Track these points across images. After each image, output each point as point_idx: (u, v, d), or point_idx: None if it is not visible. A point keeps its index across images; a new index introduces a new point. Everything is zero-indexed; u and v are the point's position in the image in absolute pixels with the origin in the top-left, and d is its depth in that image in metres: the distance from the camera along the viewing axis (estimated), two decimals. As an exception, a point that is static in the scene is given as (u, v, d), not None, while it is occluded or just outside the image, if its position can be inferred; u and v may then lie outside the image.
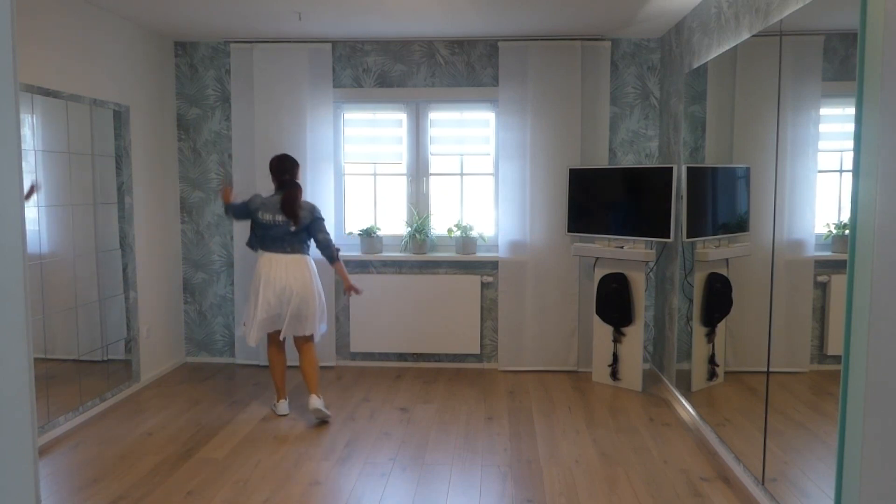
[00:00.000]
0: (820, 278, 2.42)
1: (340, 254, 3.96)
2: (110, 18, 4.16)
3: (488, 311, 4.99)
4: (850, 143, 1.95)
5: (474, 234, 4.93)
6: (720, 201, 3.55)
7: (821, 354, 2.41)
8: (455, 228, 4.92)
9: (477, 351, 4.95)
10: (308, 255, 3.91)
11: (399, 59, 4.87)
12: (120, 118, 4.25)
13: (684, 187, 4.06)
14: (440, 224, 5.03)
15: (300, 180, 3.97)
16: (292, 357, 4.57)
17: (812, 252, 2.46)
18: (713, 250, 3.54)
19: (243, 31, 4.62)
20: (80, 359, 3.91)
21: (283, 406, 3.99)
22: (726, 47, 3.34)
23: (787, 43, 2.62)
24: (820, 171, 2.43)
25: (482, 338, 5.00)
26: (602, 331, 4.57)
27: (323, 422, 3.86)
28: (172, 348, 4.96)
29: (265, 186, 4.85)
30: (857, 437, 1.86)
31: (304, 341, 3.90)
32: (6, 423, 1.07)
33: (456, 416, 3.98)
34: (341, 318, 5.04)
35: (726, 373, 3.38)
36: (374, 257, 4.92)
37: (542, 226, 4.80)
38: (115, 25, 4.21)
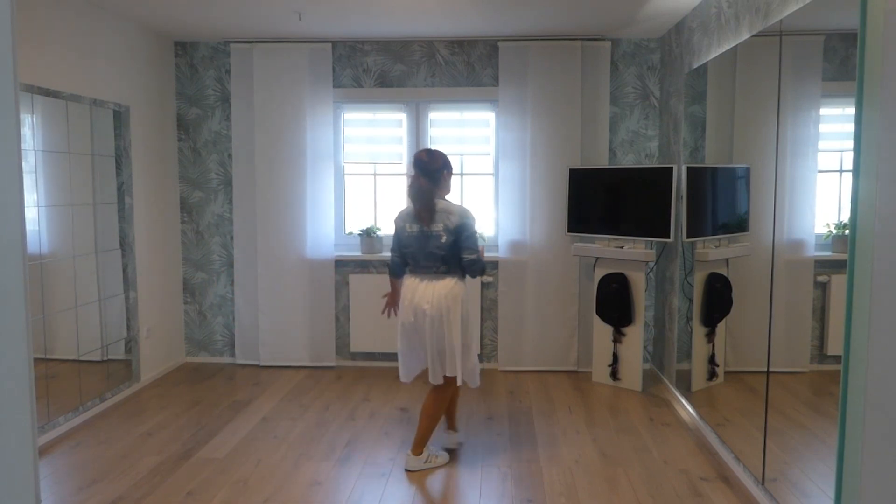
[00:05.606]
0: (820, 278, 2.42)
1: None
2: (110, 18, 4.16)
3: (488, 311, 4.99)
4: (850, 143, 1.95)
5: (474, 234, 4.92)
6: (720, 201, 3.55)
7: (821, 354, 2.41)
8: (455, 228, 4.91)
9: (477, 351, 4.93)
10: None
11: (399, 59, 4.87)
12: (120, 118, 4.25)
13: (684, 187, 4.06)
14: (440, 224, 5.03)
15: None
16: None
17: (812, 252, 2.46)
18: (713, 250, 3.54)
19: (243, 31, 4.62)
20: (80, 359, 3.91)
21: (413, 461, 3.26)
22: (726, 47, 3.34)
23: (787, 43, 2.62)
24: (820, 171, 2.42)
25: (482, 338, 5.00)
26: (602, 331, 4.57)
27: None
28: (172, 348, 4.96)
29: (264, 185, 4.85)
30: (857, 437, 1.86)
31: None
32: (6, 423, 1.07)
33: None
34: (341, 318, 5.03)
35: (726, 373, 3.38)
36: (374, 257, 4.91)
37: (541, 226, 4.79)
38: (115, 25, 4.21)
